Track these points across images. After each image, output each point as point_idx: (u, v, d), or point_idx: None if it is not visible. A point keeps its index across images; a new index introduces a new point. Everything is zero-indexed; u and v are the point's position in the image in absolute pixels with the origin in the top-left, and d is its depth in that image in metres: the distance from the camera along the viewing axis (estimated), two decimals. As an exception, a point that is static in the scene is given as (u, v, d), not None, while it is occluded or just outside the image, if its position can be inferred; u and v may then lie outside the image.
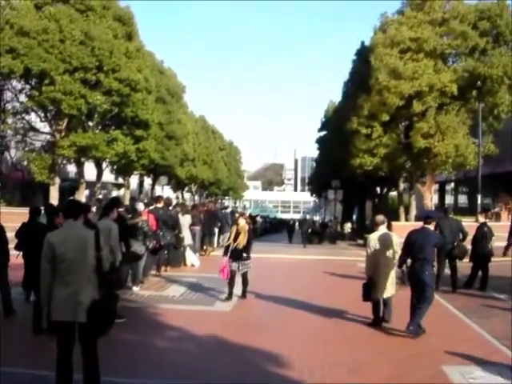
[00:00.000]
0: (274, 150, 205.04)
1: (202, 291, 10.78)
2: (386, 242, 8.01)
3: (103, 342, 4.97)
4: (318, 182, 48.29)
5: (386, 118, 23.82)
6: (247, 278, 9.98)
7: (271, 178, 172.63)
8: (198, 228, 16.79)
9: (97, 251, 4.82)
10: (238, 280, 10.02)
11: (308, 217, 31.08)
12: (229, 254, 9.76)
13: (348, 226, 37.73)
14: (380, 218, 8.22)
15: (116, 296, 5.24)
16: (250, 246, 9.93)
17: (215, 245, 20.97)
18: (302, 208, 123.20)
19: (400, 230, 21.69)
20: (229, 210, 28.45)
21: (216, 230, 21.03)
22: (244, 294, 10.03)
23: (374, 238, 8.04)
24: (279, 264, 17.31)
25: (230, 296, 9.78)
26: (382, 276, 7.93)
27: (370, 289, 8.00)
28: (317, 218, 42.80)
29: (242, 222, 9.96)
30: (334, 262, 18.10)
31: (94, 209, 11.59)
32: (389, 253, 8.00)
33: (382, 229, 8.14)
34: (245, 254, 9.77)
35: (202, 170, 46.01)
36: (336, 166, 31.83)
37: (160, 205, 13.02)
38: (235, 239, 9.77)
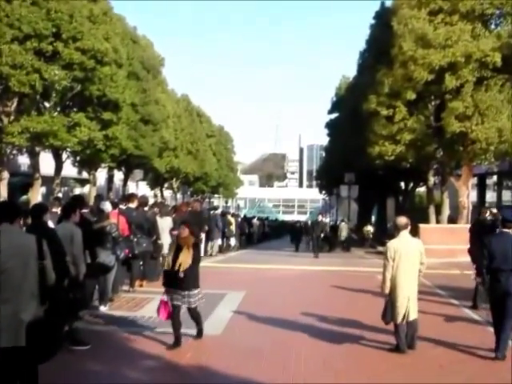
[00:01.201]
0: (274, 136, 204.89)
1: (185, 310, 10.78)
2: (409, 250, 8.00)
3: (63, 373, 4.96)
4: (328, 176, 48.41)
5: (411, 95, 23.82)
6: (198, 313, 8.66)
7: (271, 171, 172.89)
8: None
9: (39, 259, 4.80)
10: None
11: (321, 218, 30.41)
12: (167, 281, 8.41)
13: (369, 230, 37.80)
14: (402, 220, 8.21)
15: (70, 314, 5.22)
16: (197, 269, 8.42)
17: (202, 253, 20.96)
18: (309, 208, 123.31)
19: (430, 235, 21.58)
20: (219, 211, 28.57)
21: (203, 236, 21.01)
22: (200, 333, 8.74)
23: (393, 246, 8.03)
24: (280, 277, 17.35)
25: (177, 342, 8.30)
26: (403, 294, 7.92)
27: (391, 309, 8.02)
28: (327, 219, 42.72)
29: (185, 232, 8.32)
30: (348, 273, 18.13)
31: (55, 209, 11.53)
32: (413, 265, 7.99)
33: (405, 234, 8.13)
34: (190, 281, 8.24)
35: (185, 161, 46.05)
36: (350, 156, 31.88)
37: (133, 204, 13.02)
38: (175, 259, 8.23)
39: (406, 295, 7.93)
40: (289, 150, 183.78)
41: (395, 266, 7.96)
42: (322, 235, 29.24)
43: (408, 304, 7.93)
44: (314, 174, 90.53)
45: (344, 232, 33.99)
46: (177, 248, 8.30)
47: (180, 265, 8.12)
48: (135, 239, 12.67)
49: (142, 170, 35.18)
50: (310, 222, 36.17)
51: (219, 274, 17.28)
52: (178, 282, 8.18)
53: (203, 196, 62.29)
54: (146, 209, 14.14)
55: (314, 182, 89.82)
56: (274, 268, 19.35)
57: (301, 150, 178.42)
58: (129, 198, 13.53)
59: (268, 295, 13.50)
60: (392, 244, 8.05)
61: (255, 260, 23.10)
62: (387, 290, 7.99)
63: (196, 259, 8.30)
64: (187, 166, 46.68)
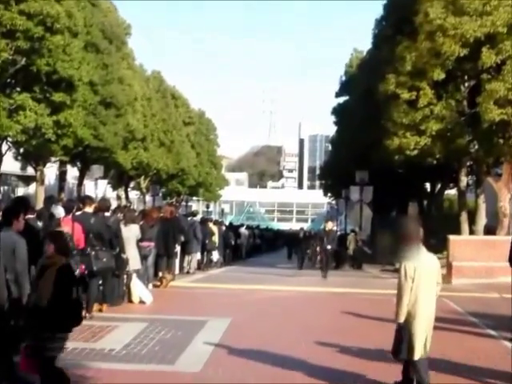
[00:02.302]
0: (268, 125, 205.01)
1: (156, 342, 10.77)
2: (429, 269, 7.94)
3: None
4: (334, 175, 48.44)
5: (439, 75, 23.90)
6: (54, 369, 7.34)
7: (263, 168, 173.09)
8: (150, 245, 16.79)
9: None
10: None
11: (331, 226, 28.26)
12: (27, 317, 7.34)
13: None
14: (412, 228, 8.08)
15: (10, 346, 5.19)
16: (66, 302, 7.14)
17: (177, 271, 20.92)
18: (311, 214, 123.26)
19: (461, 249, 21.56)
20: (198, 218, 28.53)
21: (178, 248, 21.00)
22: None
23: (413, 263, 7.92)
24: (274, 301, 17.33)
25: None
26: (424, 322, 7.90)
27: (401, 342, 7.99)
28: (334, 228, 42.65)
29: (50, 248, 7.36)
30: (360, 297, 18.14)
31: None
32: (433, 286, 7.96)
33: (422, 248, 8.03)
34: (51, 320, 7.05)
35: (156, 155, 46.01)
36: (363, 150, 31.97)
37: (90, 209, 12.96)
38: (36, 286, 7.32)
39: (426, 323, 7.93)
40: (286, 141, 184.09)
41: (414, 288, 7.91)
42: (329, 247, 26.41)
43: (428, 334, 7.95)
44: (318, 171, 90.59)
45: (353, 244, 34.02)
46: (40, 271, 7.32)
47: (39, 296, 7.16)
48: (93, 252, 12.62)
49: (101, 166, 35.05)
50: (311, 232, 36.01)
51: (198, 296, 17.25)
52: (38, 319, 7.11)
53: (178, 199, 62.28)
54: (107, 214, 14.09)
55: (318, 182, 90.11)
56: (267, 289, 19.31)
57: (301, 142, 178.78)
58: (83, 200, 13.36)
59: (259, 323, 13.48)
60: (411, 260, 7.95)
61: (243, 279, 23.06)
62: (402, 318, 7.96)
63: (62, 289, 7.11)
64: (159, 161, 46.67)
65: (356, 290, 19.98)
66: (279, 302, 17.06)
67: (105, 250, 13.04)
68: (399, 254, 7.90)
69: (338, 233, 47.33)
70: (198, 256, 25.21)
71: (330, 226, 27.74)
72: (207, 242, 26.12)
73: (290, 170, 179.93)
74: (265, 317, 14.56)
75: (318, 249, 27.91)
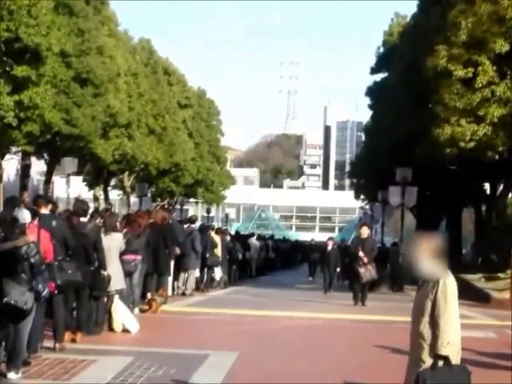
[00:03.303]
0: (286, 108, 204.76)
1: (144, 381, 10.82)
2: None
3: None
4: (369, 172, 48.35)
5: (503, 47, 23.90)
6: None
7: (278, 163, 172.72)
8: (136, 259, 16.83)
9: None
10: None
11: (366, 232, 25.74)
12: None
13: None
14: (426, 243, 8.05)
15: None
16: None
17: (169, 292, 20.96)
18: (338, 221, 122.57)
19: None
20: (197, 225, 28.52)
21: (172, 263, 21.06)
22: None
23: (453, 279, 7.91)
24: (292, 330, 17.40)
25: None
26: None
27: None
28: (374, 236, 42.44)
29: None
30: (399, 326, 18.12)
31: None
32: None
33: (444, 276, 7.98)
34: None
35: (144, 145, 46.01)
36: (405, 142, 31.92)
37: (46, 210, 12.94)
38: None
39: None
40: (308, 130, 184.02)
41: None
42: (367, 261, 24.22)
43: None
44: (348, 168, 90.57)
45: (393, 260, 33.84)
46: None
47: None
48: (56, 262, 12.62)
49: (75, 159, 35.12)
50: (344, 242, 35.35)
51: (197, 323, 17.30)
52: None
53: (172, 201, 62.28)
54: (83, 220, 14.13)
55: (347, 182, 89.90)
56: (283, 316, 19.34)
57: (327, 131, 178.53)
58: (36, 201, 13.32)
59: (272, 359, 13.50)
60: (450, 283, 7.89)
61: (253, 303, 23.15)
62: (450, 349, 7.94)
63: None
64: (147, 153, 46.69)
65: (397, 317, 19.92)
66: (298, 333, 17.14)
67: (69, 260, 13.06)
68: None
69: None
70: (197, 273, 25.22)
71: (365, 232, 25.73)
72: (208, 255, 26.11)
73: (313, 166, 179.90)
74: (279, 351, 14.57)
75: (360, 269, 24.33)
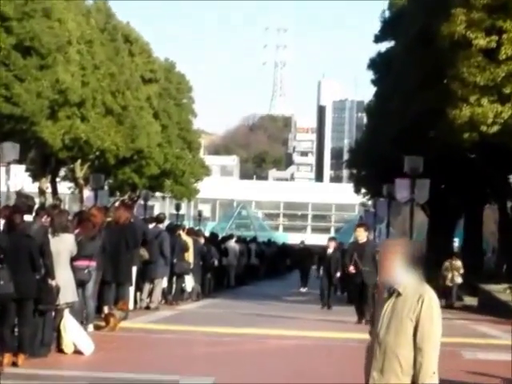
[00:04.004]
0: (271, 85, 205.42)
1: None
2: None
3: None
4: (371, 161, 48.45)
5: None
6: None
7: (262, 149, 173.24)
8: (90, 265, 16.76)
9: None
10: None
11: (363, 235, 25.07)
12: None
13: (452, 266, 36.10)
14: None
15: None
16: None
17: (131, 305, 20.91)
18: (334, 220, 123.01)
19: None
20: (164, 225, 28.42)
21: (134, 270, 20.98)
22: None
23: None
24: (277, 352, 17.54)
25: None
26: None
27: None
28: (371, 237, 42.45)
29: None
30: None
31: None
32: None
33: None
34: None
35: (100, 128, 45.94)
36: (416, 125, 31.94)
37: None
38: None
39: None
40: (298, 110, 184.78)
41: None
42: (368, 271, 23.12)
43: None
44: (346, 156, 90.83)
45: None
46: None
47: None
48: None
49: (17, 144, 34.97)
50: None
51: (164, 343, 17.34)
52: None
53: (134, 195, 62.25)
54: (27, 218, 14.02)
55: (345, 173, 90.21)
56: (269, 335, 19.42)
57: (321, 112, 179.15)
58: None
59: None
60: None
61: (232, 319, 23.27)
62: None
63: None
64: (104, 138, 46.58)
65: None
66: (286, 356, 17.13)
67: (1, 266, 12.99)
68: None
69: (377, 249, 47.34)
70: (165, 283, 25.14)
71: (362, 235, 24.80)
72: (176, 261, 26.00)
73: (304, 154, 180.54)
74: (262, 376, 14.50)
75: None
